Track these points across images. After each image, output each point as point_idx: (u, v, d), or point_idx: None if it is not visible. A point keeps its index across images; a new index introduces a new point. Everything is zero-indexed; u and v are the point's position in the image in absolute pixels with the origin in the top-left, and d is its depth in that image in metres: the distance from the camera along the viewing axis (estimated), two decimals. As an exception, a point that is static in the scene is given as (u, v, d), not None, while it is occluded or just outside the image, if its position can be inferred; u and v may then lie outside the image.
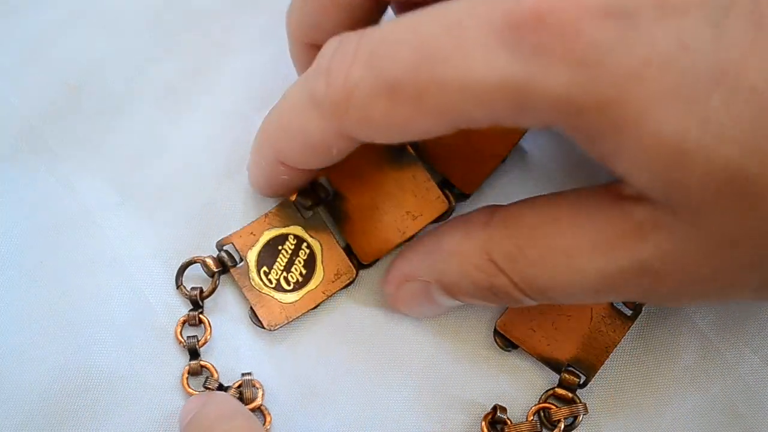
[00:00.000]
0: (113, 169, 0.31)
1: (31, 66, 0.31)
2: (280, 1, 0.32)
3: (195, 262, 0.30)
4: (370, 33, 0.22)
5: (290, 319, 0.29)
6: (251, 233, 0.30)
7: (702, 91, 0.19)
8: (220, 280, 0.30)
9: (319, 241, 0.30)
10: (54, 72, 0.31)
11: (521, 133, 0.30)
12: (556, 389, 0.29)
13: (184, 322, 0.29)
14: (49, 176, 0.30)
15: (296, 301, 0.29)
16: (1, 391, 0.28)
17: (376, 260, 0.30)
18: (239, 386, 0.28)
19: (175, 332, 0.29)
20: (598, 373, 0.29)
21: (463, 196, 0.30)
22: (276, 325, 0.29)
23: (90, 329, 0.29)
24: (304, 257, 0.30)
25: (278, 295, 0.29)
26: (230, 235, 0.30)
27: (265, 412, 0.28)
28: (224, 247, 0.30)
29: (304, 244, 0.30)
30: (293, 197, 0.30)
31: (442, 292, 0.25)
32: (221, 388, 0.29)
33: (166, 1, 0.32)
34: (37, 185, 0.30)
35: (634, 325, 0.30)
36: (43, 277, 0.29)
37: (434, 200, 0.29)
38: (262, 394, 0.28)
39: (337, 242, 0.30)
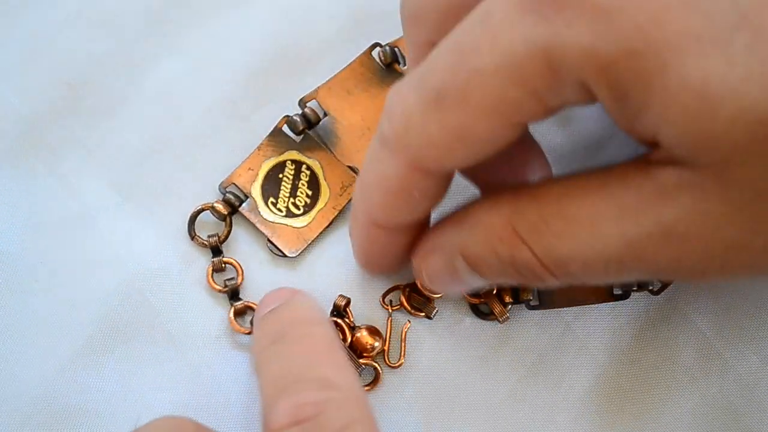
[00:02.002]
0: (113, 169, 0.31)
1: (31, 66, 0.31)
2: (281, 0, 0.32)
3: (204, 210, 0.30)
4: (423, 63, 0.22)
5: (308, 241, 0.30)
6: (249, 168, 0.30)
7: (725, 33, 0.18)
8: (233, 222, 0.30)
9: (317, 160, 0.30)
10: (54, 72, 0.31)
11: None
12: None
13: (214, 270, 0.30)
14: (49, 176, 0.30)
15: (310, 222, 0.30)
16: (1, 391, 0.28)
17: None
18: None
19: (208, 281, 0.29)
20: (597, 374, 0.29)
21: None
22: (297, 250, 0.30)
23: (90, 329, 0.29)
24: (307, 179, 0.30)
25: (291, 221, 0.30)
26: (229, 175, 0.30)
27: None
28: (227, 189, 0.30)
29: (304, 166, 0.30)
30: (281, 123, 0.30)
31: (466, 265, 0.25)
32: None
33: (165, 0, 0.32)
34: (37, 185, 0.30)
35: (633, 326, 0.30)
36: (43, 277, 0.29)
37: None
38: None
39: (336, 157, 0.30)
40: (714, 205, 0.20)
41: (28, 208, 0.30)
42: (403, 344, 0.29)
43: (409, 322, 0.29)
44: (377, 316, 0.30)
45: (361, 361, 0.29)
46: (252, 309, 0.29)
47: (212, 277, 0.29)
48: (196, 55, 0.32)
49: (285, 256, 0.30)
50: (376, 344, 0.28)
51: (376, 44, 0.31)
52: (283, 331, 0.25)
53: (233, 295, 0.29)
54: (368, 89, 0.31)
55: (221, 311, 0.30)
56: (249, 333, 0.29)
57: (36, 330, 0.29)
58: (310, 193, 0.30)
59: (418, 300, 0.30)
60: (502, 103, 0.21)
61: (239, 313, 0.29)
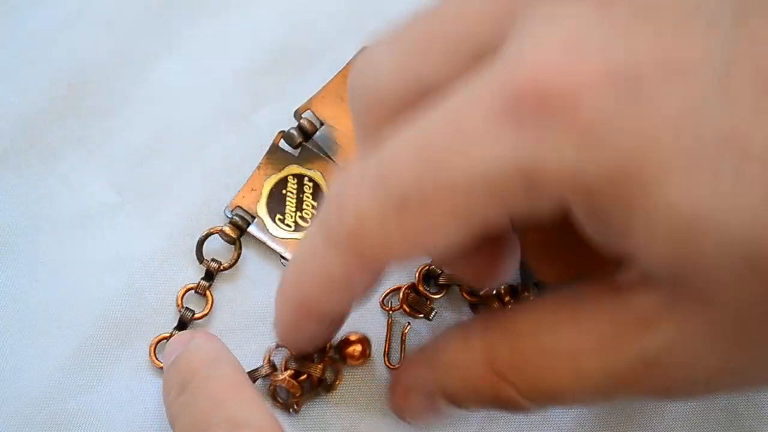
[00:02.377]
0: (113, 169, 0.31)
1: (31, 66, 0.31)
2: (280, 0, 0.32)
3: (212, 234, 0.30)
4: (375, 154, 0.21)
5: None
6: (252, 189, 0.30)
7: (711, 158, 0.17)
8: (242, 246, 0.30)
9: (318, 171, 0.30)
10: (54, 72, 0.31)
11: None
12: None
13: (189, 289, 0.29)
14: (49, 176, 0.30)
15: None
16: (1, 391, 0.28)
17: None
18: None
19: (177, 298, 0.29)
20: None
21: None
22: None
23: (90, 329, 0.29)
24: (311, 191, 0.30)
25: (300, 235, 0.30)
26: (233, 198, 0.30)
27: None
28: (234, 212, 0.30)
29: (306, 178, 0.30)
30: (278, 139, 0.30)
31: (447, 402, 0.24)
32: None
33: (165, 0, 0.32)
34: (37, 185, 0.30)
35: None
36: (43, 277, 0.29)
37: None
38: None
39: (336, 164, 0.30)
40: (697, 334, 0.19)
41: (28, 208, 0.30)
42: (403, 345, 0.29)
43: (410, 323, 0.29)
44: (376, 319, 0.30)
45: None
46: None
47: (182, 297, 0.29)
48: (196, 55, 0.32)
49: None
50: (358, 349, 0.28)
51: (281, 133, 0.31)
52: (185, 379, 0.25)
53: (181, 324, 0.29)
54: None
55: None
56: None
57: (36, 330, 0.29)
58: (315, 204, 0.30)
59: (416, 301, 0.30)
60: (470, 216, 0.20)
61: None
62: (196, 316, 0.29)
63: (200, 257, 0.30)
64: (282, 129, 0.31)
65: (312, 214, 0.30)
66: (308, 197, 0.30)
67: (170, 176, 0.31)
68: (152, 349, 0.29)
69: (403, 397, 0.26)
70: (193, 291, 0.29)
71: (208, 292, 0.29)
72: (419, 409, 0.26)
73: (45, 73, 0.31)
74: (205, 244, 0.30)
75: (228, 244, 0.30)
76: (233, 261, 0.30)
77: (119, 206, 0.30)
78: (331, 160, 0.30)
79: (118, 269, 0.30)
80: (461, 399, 0.24)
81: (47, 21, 0.32)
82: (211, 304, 0.29)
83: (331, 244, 0.22)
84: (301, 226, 0.30)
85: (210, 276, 0.29)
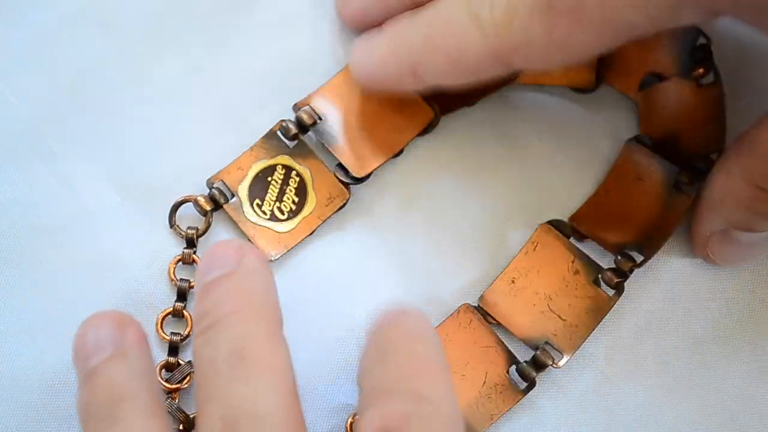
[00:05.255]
0: (113, 169, 0.31)
1: (31, 66, 0.31)
2: (280, 1, 0.32)
3: (187, 201, 0.30)
4: None
5: (289, 248, 0.30)
6: (239, 168, 0.30)
7: None
8: (213, 218, 0.30)
9: (308, 168, 0.30)
10: (54, 72, 0.31)
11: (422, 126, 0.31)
12: None
13: (178, 261, 0.29)
14: (49, 176, 0.30)
15: (292, 229, 0.30)
16: (1, 391, 0.28)
17: (369, 174, 0.30)
18: None
19: (169, 272, 0.29)
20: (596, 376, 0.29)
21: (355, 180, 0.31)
22: (275, 255, 0.29)
23: (90, 329, 0.29)
24: (295, 185, 0.30)
25: (274, 225, 0.30)
26: (218, 172, 0.30)
27: None
28: (214, 185, 0.30)
29: (293, 172, 0.30)
30: (277, 127, 0.30)
31: (740, 232, 0.27)
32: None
33: (166, 0, 0.32)
34: (37, 185, 0.30)
35: (632, 329, 0.30)
36: (43, 277, 0.29)
37: (419, 110, 0.30)
38: None
39: (327, 167, 0.30)
40: None
41: (28, 208, 0.30)
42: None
43: None
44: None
45: None
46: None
47: (174, 271, 0.29)
48: (197, 55, 0.32)
49: None
50: None
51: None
52: (388, 343, 0.25)
53: (180, 295, 0.29)
54: (361, 92, 0.31)
55: (273, 268, 0.29)
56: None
57: (36, 330, 0.29)
58: (296, 199, 0.30)
59: None
60: (618, 23, 0.21)
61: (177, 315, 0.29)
62: (192, 284, 0.29)
63: (171, 222, 0.30)
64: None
65: (291, 208, 0.30)
66: (291, 191, 0.30)
67: (170, 177, 0.31)
68: (159, 324, 0.29)
69: (704, 245, 0.29)
70: (181, 263, 0.30)
71: (194, 258, 0.29)
72: (724, 249, 0.28)
73: (45, 73, 0.31)
74: (184, 216, 0.30)
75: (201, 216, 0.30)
76: (201, 232, 0.30)
77: (119, 206, 0.30)
78: (330, 153, 0.30)
79: (118, 269, 0.30)
80: (748, 223, 0.27)
81: (47, 21, 0.32)
82: None
83: (476, 26, 0.24)
84: (277, 218, 0.30)
85: (191, 243, 0.29)
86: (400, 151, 0.31)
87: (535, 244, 0.30)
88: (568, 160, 0.32)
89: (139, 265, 0.30)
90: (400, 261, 0.31)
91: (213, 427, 0.23)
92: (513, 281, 0.30)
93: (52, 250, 0.30)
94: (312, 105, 0.31)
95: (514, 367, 0.29)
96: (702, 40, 0.30)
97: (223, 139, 0.31)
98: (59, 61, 0.31)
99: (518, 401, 0.29)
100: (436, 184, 0.31)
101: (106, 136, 0.31)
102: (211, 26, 0.32)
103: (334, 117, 0.31)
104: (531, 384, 0.29)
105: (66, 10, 0.32)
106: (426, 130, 0.31)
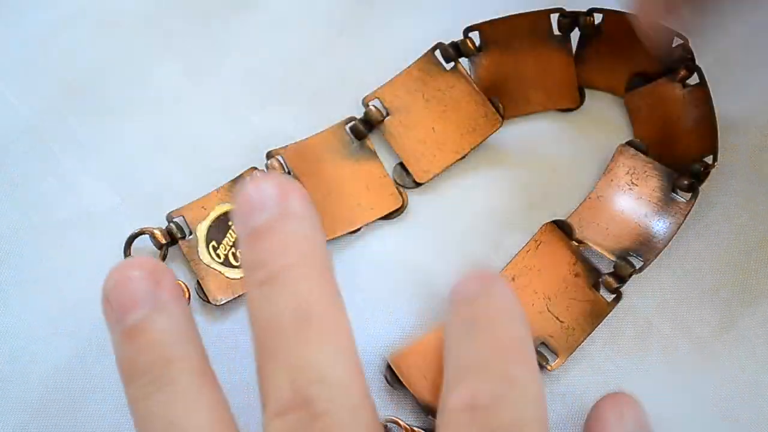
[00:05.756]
0: (113, 169, 0.31)
1: (31, 66, 0.31)
2: (280, 1, 0.32)
3: (143, 233, 0.29)
4: None
5: (236, 294, 0.29)
6: (202, 207, 0.30)
7: None
8: (168, 253, 0.30)
9: None
10: (54, 72, 0.31)
11: (487, 134, 0.31)
12: None
13: None
14: (49, 176, 0.31)
15: (243, 276, 0.29)
16: (1, 391, 0.28)
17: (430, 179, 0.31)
18: None
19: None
20: (595, 376, 0.29)
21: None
22: (221, 300, 0.29)
23: (89, 329, 0.29)
24: None
25: (226, 270, 0.29)
26: (181, 207, 0.30)
27: None
28: (174, 219, 0.30)
29: None
30: (247, 173, 0.30)
31: None
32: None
33: (166, 1, 0.32)
34: (37, 185, 0.30)
35: (630, 329, 0.30)
36: (44, 277, 0.30)
37: (388, 195, 0.31)
38: None
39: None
40: None
41: (28, 208, 0.30)
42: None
43: None
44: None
45: None
46: None
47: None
48: (197, 55, 0.32)
49: (208, 302, 0.29)
50: None
51: (350, 119, 0.31)
52: (478, 317, 0.24)
53: None
54: (335, 160, 0.31)
55: (219, 313, 0.30)
56: None
57: (35, 331, 0.29)
58: None
59: None
60: None
61: None
62: None
63: (126, 253, 0.29)
64: (253, 166, 0.30)
65: None
66: None
67: (169, 177, 0.31)
68: None
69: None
70: None
71: None
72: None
73: (45, 73, 0.31)
74: (141, 248, 0.29)
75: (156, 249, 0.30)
76: None
77: (119, 206, 0.30)
78: (394, 153, 0.31)
79: (118, 269, 0.30)
80: None
81: (47, 21, 0.32)
82: None
83: None
84: (230, 263, 0.29)
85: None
86: (358, 229, 0.30)
87: (538, 242, 0.30)
88: (564, 162, 0.32)
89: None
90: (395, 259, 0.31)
91: (281, 390, 0.22)
92: (513, 279, 0.30)
93: (52, 250, 0.30)
94: (284, 157, 0.30)
95: None
96: (678, 40, 0.30)
97: (223, 139, 0.31)
98: (59, 61, 0.31)
99: None
100: (430, 184, 0.31)
101: (106, 136, 0.31)
102: (211, 27, 0.32)
103: (302, 176, 0.30)
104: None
105: (66, 10, 0.32)
106: (390, 216, 0.31)
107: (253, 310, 0.23)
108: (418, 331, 0.30)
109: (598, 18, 0.31)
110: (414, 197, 0.31)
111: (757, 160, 0.31)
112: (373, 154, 0.31)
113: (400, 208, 0.31)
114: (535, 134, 0.32)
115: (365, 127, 0.31)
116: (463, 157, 0.31)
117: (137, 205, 0.30)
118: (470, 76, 0.31)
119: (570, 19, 0.31)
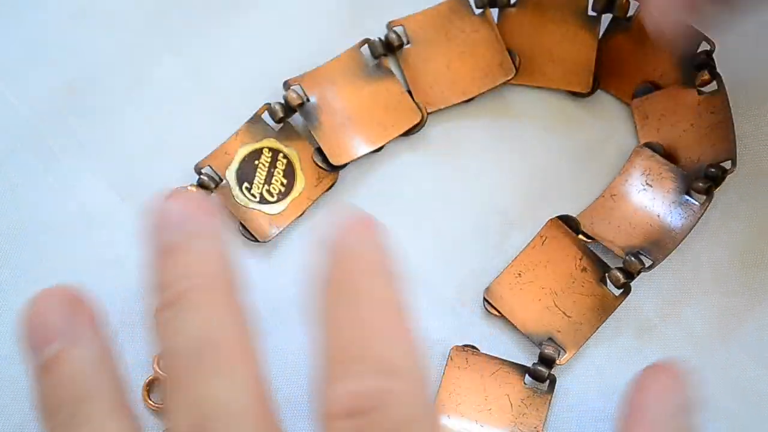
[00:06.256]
0: (113, 169, 0.31)
1: (31, 66, 0.31)
2: (280, 1, 0.32)
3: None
4: None
5: (281, 228, 0.30)
6: (225, 153, 0.30)
7: None
8: None
9: (294, 150, 0.30)
10: (54, 72, 0.31)
11: (497, 82, 0.31)
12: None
13: None
14: (49, 176, 0.31)
15: (283, 210, 0.30)
16: (1, 391, 0.28)
17: (346, 164, 0.30)
18: None
19: None
20: (594, 377, 0.29)
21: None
22: (268, 237, 0.30)
23: (90, 329, 0.29)
24: (283, 167, 0.30)
25: (264, 207, 0.30)
26: (205, 157, 0.30)
27: None
28: (202, 171, 0.30)
29: (280, 154, 0.30)
30: (262, 111, 0.30)
31: None
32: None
33: (165, 0, 0.32)
34: (37, 185, 0.30)
35: (629, 330, 0.30)
36: (43, 277, 0.30)
37: (407, 111, 0.31)
38: None
39: (315, 138, 0.30)
40: None
41: (28, 208, 0.30)
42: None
43: None
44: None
45: None
46: None
47: None
48: (197, 55, 0.32)
49: (257, 240, 0.30)
50: None
51: (366, 40, 0.32)
52: (355, 284, 0.21)
53: None
54: (354, 81, 0.31)
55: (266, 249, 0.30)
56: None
57: (36, 330, 0.29)
58: (285, 181, 0.30)
59: None
60: None
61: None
62: None
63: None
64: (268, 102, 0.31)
65: (280, 190, 0.30)
66: (279, 173, 0.30)
67: (170, 177, 0.31)
68: (145, 392, 0.29)
69: None
70: None
71: None
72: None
73: (45, 73, 0.31)
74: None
75: None
76: None
77: (119, 206, 0.30)
78: (310, 134, 0.30)
79: (118, 270, 0.30)
80: None
81: (48, 21, 0.32)
82: None
83: None
84: (267, 200, 0.30)
85: None
86: (380, 148, 0.31)
87: (544, 238, 0.30)
88: (567, 158, 0.32)
89: (139, 265, 0.30)
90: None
91: (180, 427, 0.20)
92: (520, 275, 0.30)
93: (52, 250, 0.30)
94: (302, 84, 0.31)
95: (526, 376, 0.29)
96: (706, 47, 0.30)
97: (223, 139, 0.31)
98: (59, 61, 0.31)
99: (550, 401, 0.29)
100: (431, 180, 0.31)
101: (106, 136, 0.31)
102: (211, 26, 0.32)
103: (322, 101, 0.31)
104: (551, 381, 0.29)
105: (66, 10, 0.32)
106: (410, 132, 0.31)
107: (158, 336, 0.22)
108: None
109: (631, 9, 0.31)
110: (415, 199, 0.31)
111: (758, 159, 0.31)
112: (390, 73, 0.31)
113: (420, 122, 0.31)
114: (538, 132, 0.32)
115: (384, 48, 0.31)
116: (470, 100, 0.31)
117: (137, 205, 0.30)
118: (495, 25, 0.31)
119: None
